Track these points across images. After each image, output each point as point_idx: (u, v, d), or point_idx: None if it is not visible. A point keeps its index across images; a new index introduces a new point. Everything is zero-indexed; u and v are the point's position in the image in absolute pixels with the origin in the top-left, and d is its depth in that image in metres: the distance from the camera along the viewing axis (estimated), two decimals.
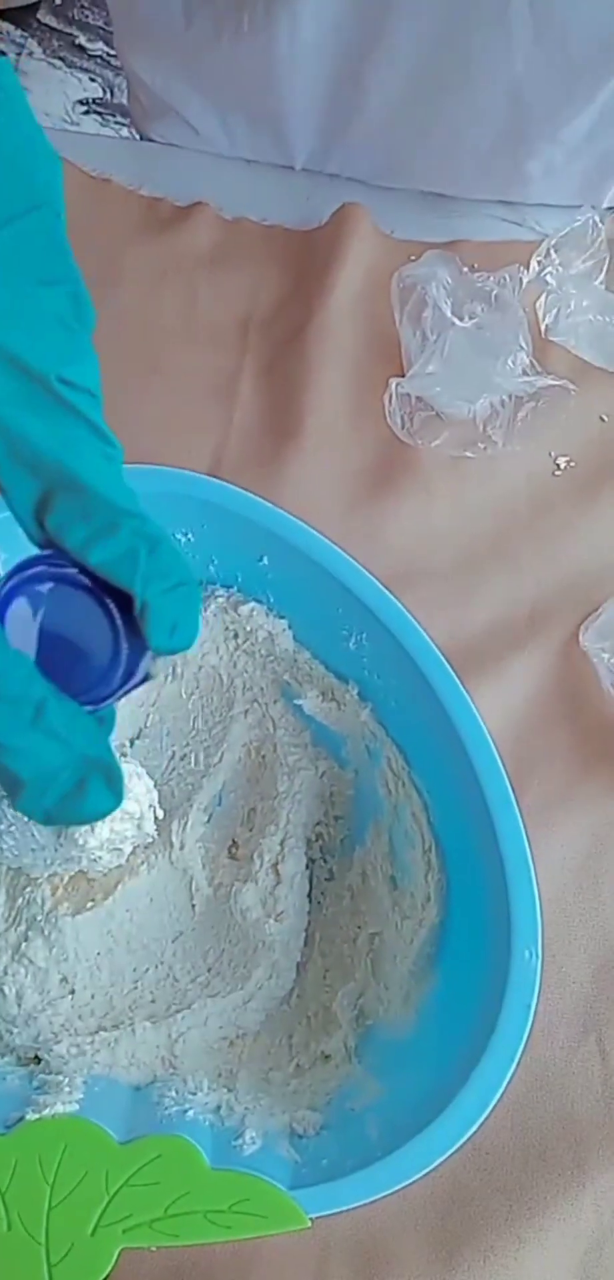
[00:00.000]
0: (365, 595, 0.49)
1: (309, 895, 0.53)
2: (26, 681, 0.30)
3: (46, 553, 0.31)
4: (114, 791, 0.32)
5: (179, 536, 0.53)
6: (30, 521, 0.30)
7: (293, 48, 0.66)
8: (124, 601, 0.31)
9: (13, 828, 0.47)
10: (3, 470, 0.29)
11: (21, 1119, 0.39)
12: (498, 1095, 0.40)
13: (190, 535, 0.53)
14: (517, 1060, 0.40)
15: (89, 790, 0.31)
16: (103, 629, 0.32)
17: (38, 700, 0.30)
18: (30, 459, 0.29)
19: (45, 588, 0.31)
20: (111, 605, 0.32)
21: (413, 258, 0.70)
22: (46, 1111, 0.40)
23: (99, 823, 0.46)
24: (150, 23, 0.70)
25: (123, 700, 0.55)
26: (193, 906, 0.52)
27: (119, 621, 0.32)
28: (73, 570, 0.31)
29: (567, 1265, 0.48)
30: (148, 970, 0.50)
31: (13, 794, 0.30)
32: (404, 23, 0.64)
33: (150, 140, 0.80)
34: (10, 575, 0.31)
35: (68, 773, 0.30)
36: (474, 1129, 0.39)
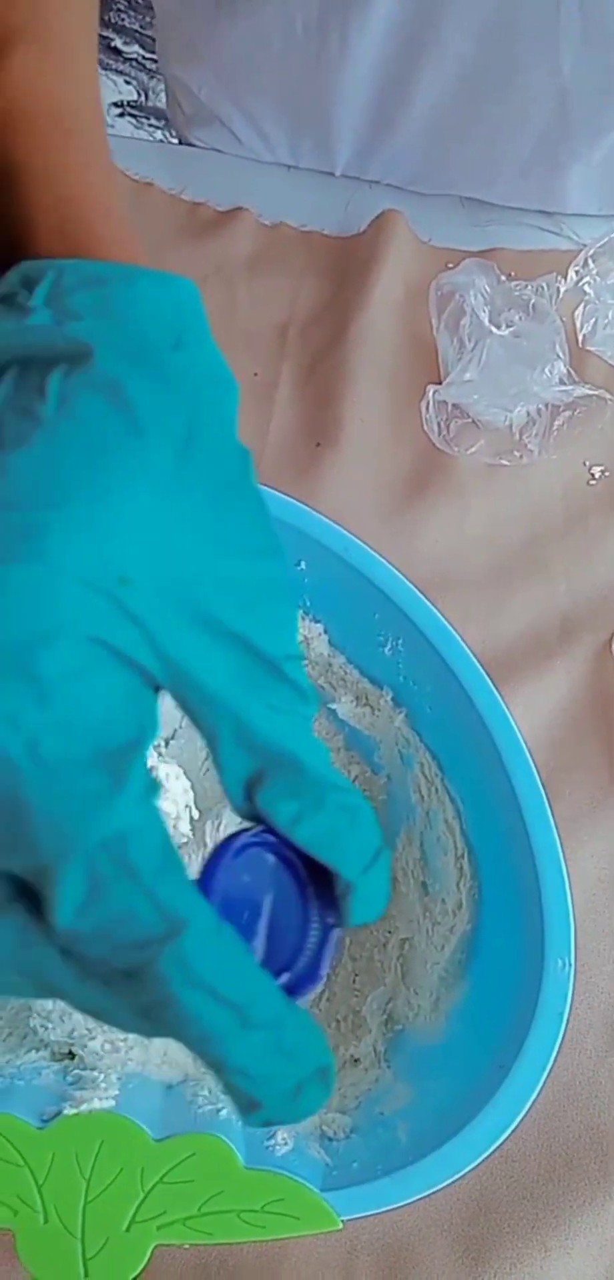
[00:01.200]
0: (403, 601, 0.49)
1: None
2: (274, 1001, 0.27)
3: (249, 827, 0.29)
4: (328, 1088, 0.28)
5: None
6: (240, 796, 0.28)
7: (343, 54, 0.66)
8: (317, 870, 0.29)
9: None
10: (223, 751, 0.27)
11: (58, 1114, 0.40)
12: (531, 1102, 0.40)
13: None
14: (549, 1069, 0.41)
15: (306, 1094, 0.28)
16: (293, 903, 0.29)
17: (280, 1020, 0.27)
18: (252, 740, 0.27)
19: (242, 857, 0.29)
20: (305, 877, 0.29)
21: (450, 266, 0.71)
22: (84, 1107, 0.40)
23: None
24: (197, 32, 0.71)
25: (158, 700, 0.56)
26: None
27: (312, 897, 0.29)
28: (273, 839, 0.29)
29: (592, 1275, 0.48)
30: None
31: (245, 1111, 0.27)
32: (454, 25, 0.64)
33: (190, 145, 0.81)
34: (216, 852, 0.29)
35: (291, 1082, 0.28)
36: (507, 1135, 0.40)
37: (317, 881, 0.29)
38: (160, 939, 0.24)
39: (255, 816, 0.28)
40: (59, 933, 0.24)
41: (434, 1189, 0.39)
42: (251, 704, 0.27)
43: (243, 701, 0.27)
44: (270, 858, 0.29)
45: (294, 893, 0.29)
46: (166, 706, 0.56)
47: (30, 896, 0.24)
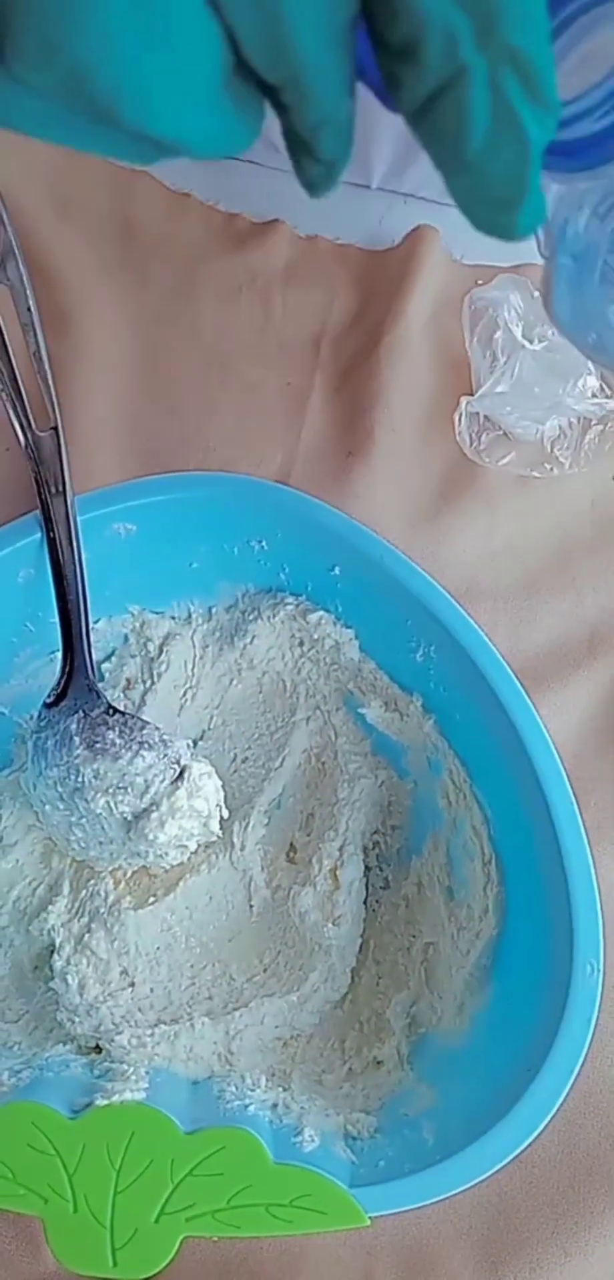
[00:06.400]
0: (438, 609, 0.50)
1: (364, 902, 0.53)
2: None
3: None
4: None
5: (253, 544, 0.54)
6: None
7: None
8: None
9: (83, 820, 0.48)
10: None
11: (89, 1105, 0.40)
12: (558, 1105, 0.40)
13: (264, 543, 0.54)
14: (577, 1073, 0.41)
15: None
16: None
17: None
18: None
19: None
20: None
21: (480, 282, 0.71)
22: (115, 1098, 0.41)
23: (169, 819, 0.47)
24: None
25: (188, 700, 0.56)
26: (251, 907, 0.52)
27: None
28: None
29: None
30: (205, 967, 0.51)
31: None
32: None
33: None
34: None
35: None
36: (534, 1137, 0.40)
37: None
38: None
39: None
40: None
41: (463, 1188, 0.39)
42: None
43: None
44: None
45: None
46: (196, 706, 0.57)
47: None
